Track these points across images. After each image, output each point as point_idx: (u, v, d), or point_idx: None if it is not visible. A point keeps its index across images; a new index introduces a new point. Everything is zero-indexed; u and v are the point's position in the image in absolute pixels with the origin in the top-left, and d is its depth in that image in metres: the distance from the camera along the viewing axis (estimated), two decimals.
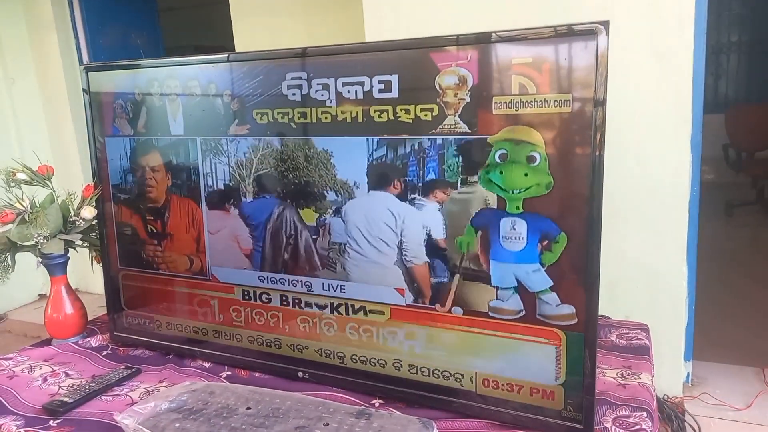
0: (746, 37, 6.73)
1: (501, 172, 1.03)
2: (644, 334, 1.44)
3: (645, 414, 1.10)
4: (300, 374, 1.28)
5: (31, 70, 3.79)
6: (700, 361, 2.44)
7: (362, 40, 2.32)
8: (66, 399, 1.21)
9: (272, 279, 1.29)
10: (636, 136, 2.03)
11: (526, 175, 1.01)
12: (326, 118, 1.18)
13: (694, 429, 2.00)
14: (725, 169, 5.52)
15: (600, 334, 1.45)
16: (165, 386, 1.28)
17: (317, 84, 1.17)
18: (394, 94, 1.10)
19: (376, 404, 1.18)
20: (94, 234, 1.54)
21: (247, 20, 3.20)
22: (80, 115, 3.76)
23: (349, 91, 1.15)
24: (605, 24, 0.92)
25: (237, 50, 3.20)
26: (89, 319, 1.64)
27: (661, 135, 2.01)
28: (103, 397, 1.24)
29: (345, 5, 2.84)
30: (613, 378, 1.24)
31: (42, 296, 3.96)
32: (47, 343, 1.54)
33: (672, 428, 1.98)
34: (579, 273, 1.00)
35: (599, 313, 1.55)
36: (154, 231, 1.43)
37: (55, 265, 1.51)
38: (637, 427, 1.06)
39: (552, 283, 1.02)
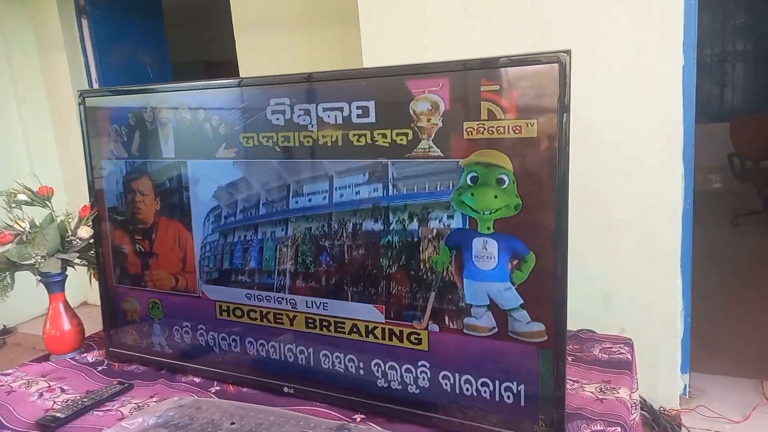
0: (751, 46, 6.71)
1: (473, 194, 1.06)
2: (627, 348, 1.46)
3: (619, 429, 1.12)
4: (285, 389, 1.31)
5: (41, 89, 3.89)
6: (699, 372, 2.44)
7: (360, 56, 2.38)
8: (58, 415, 1.25)
9: (258, 296, 1.34)
10: (627, 151, 2.05)
11: (496, 196, 1.04)
12: (308, 141, 1.22)
13: None
14: (732, 178, 5.49)
15: (583, 349, 1.47)
16: (155, 401, 1.31)
17: (299, 109, 1.22)
18: (372, 119, 1.14)
19: (358, 419, 1.21)
20: (91, 252, 1.59)
21: (250, 36, 3.28)
22: None
23: (329, 116, 1.19)
24: (568, 52, 0.96)
25: (240, 65, 3.28)
26: (92, 332, 1.68)
27: (652, 149, 2.03)
28: (95, 413, 1.28)
29: (344, 22, 2.90)
30: (591, 393, 1.26)
31: None
32: (46, 358, 1.59)
33: None
34: (547, 291, 1.02)
35: (585, 328, 1.59)
36: (145, 251, 1.48)
37: (54, 283, 1.56)
38: None
39: (522, 301, 1.05)
